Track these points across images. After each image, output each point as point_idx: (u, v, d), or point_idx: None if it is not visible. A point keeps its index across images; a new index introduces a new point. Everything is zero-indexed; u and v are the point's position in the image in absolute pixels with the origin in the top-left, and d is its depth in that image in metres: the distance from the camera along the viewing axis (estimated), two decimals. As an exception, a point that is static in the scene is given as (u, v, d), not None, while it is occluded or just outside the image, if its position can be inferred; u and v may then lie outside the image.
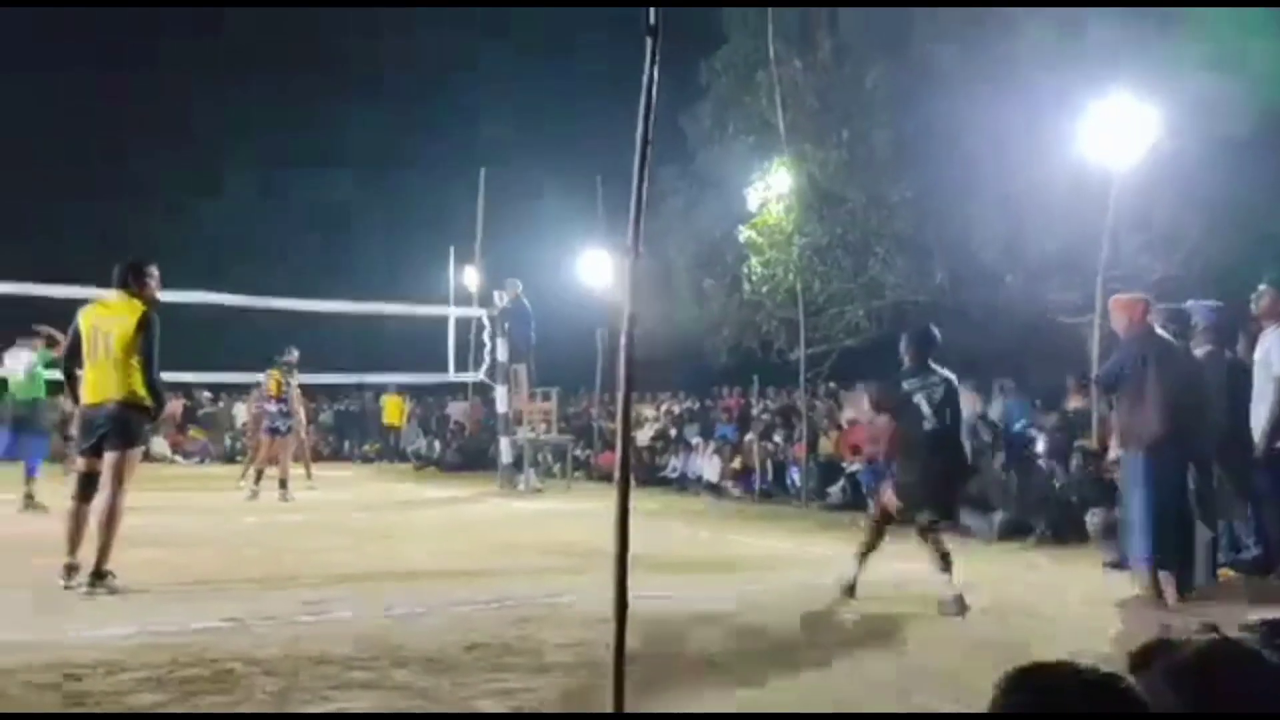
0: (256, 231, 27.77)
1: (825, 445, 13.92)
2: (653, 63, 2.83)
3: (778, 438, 14.81)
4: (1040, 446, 10.51)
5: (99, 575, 6.08)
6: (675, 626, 5.34)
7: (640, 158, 3.13)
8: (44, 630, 4.94)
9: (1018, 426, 11.41)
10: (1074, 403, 11.07)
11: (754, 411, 15.91)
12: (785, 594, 6.52)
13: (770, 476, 14.19)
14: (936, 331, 6.58)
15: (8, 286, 12.06)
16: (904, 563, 6.65)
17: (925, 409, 6.25)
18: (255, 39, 27.76)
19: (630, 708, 2.83)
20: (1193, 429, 6.43)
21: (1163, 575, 6.20)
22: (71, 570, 6.20)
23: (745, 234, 14.89)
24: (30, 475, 10.82)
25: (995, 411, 12.02)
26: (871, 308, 14.90)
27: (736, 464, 14.88)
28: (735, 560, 8.18)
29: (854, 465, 12.73)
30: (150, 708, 3.72)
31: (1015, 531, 9.40)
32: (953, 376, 6.40)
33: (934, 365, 6.39)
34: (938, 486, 6.36)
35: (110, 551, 6.13)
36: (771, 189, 14.60)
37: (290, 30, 27.75)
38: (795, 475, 13.72)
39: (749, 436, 15.09)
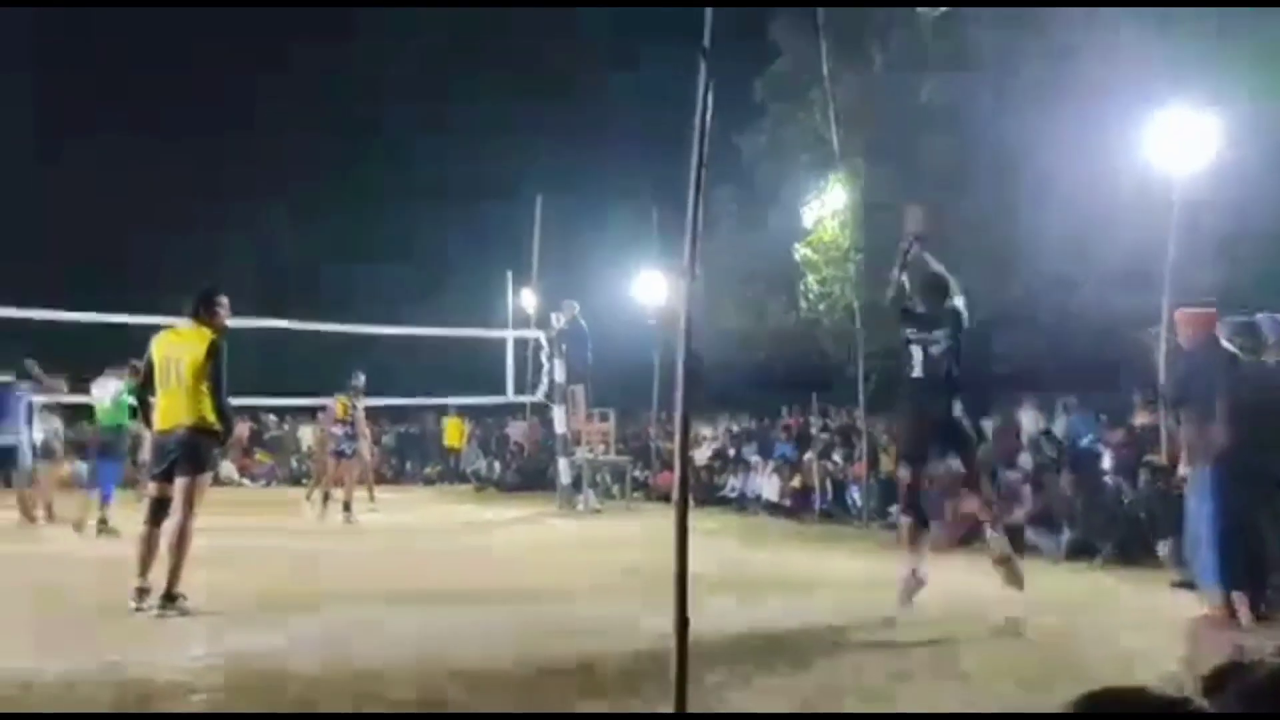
0: (318, 259, 28.24)
1: (886, 463, 13.76)
2: (706, 88, 2.85)
3: (837, 456, 14.69)
4: (1107, 463, 10.31)
5: (170, 597, 6.22)
6: (735, 646, 5.31)
7: (695, 179, 3.15)
8: (116, 652, 5.06)
9: (1084, 442, 11.20)
10: (1141, 418, 10.84)
11: (813, 430, 15.80)
12: (845, 614, 6.45)
13: (830, 496, 14.07)
14: (949, 279, 6.65)
15: (100, 316, 12.46)
16: (965, 579, 6.55)
17: (918, 357, 6.40)
18: (321, 72, 28.43)
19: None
20: (1263, 443, 6.27)
21: (1235, 595, 6.04)
22: (143, 593, 6.34)
23: (801, 252, 14.85)
24: (105, 501, 11.12)
25: (1059, 428, 11.82)
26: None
27: (796, 483, 14.78)
28: (795, 580, 8.13)
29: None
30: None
31: (1082, 551, 9.22)
32: (957, 335, 6.47)
33: (942, 315, 6.49)
34: (921, 435, 6.57)
35: (180, 574, 6.27)
36: (827, 206, 14.56)
37: (355, 63, 28.40)
38: (856, 494, 13.59)
39: (808, 455, 14.98)
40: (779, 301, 15.94)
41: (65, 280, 21.48)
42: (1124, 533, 9.06)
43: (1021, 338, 15.15)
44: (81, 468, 19.02)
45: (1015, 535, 10.01)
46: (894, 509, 12.55)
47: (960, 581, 7.07)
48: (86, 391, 11.83)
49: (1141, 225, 11.11)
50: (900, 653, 5.38)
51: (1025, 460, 11.49)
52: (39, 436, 12.28)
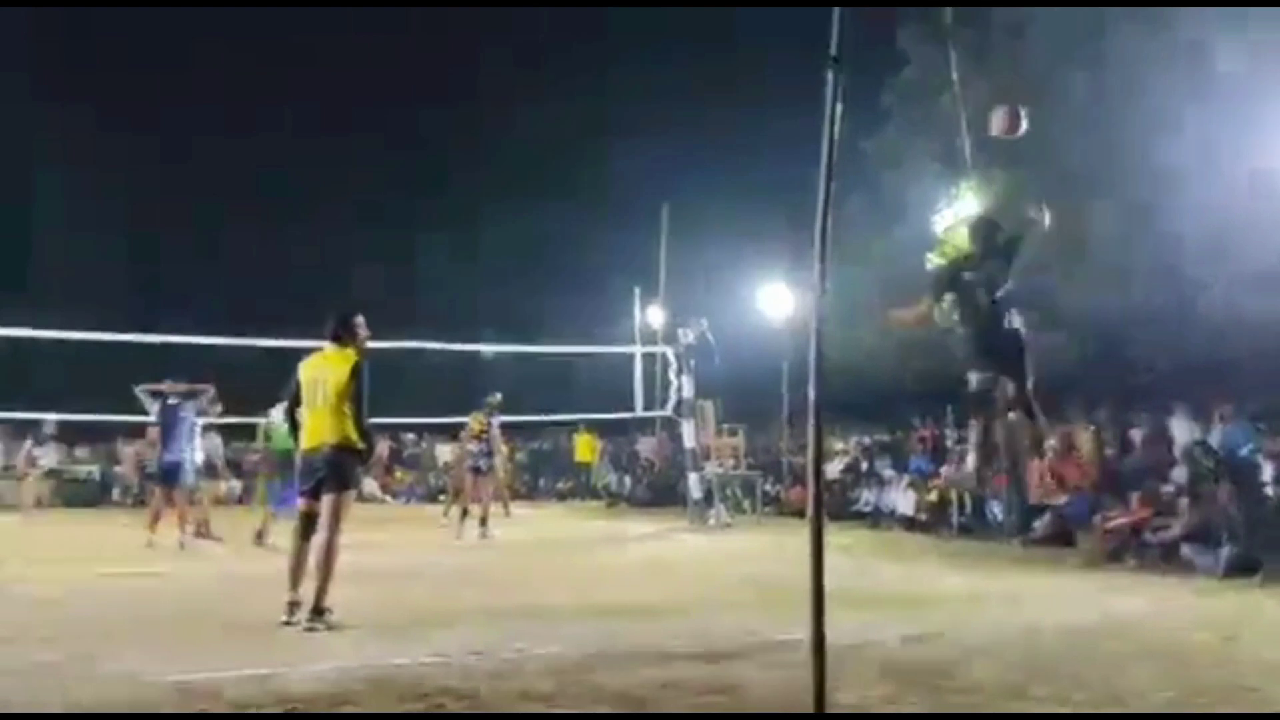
0: (446, 279, 29.00)
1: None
2: (835, 97, 2.82)
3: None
4: (1268, 474, 9.73)
5: (318, 611, 6.45)
6: (871, 664, 5.19)
7: (824, 189, 3.12)
8: (268, 664, 5.26)
9: (1242, 453, 10.59)
10: (1305, 426, 10.21)
11: (949, 443, 15.39)
12: (985, 633, 6.25)
13: (969, 510, 13.67)
14: (999, 223, 7.29)
15: (279, 342, 13.08)
16: (1115, 599, 6.27)
17: (982, 296, 6.94)
18: (445, 85, 29.34)
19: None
20: None
21: None
22: (293, 606, 6.60)
23: (933, 260, 14.50)
24: (274, 514, 11.60)
25: (1215, 438, 11.21)
26: (1071, 335, 14.22)
27: (932, 497, 14.42)
28: (932, 597, 7.91)
29: (1060, 498, 12.12)
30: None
31: (1243, 568, 8.70)
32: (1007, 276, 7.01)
33: (994, 256, 7.02)
34: (1002, 350, 6.98)
35: (328, 588, 6.50)
36: (959, 215, 14.19)
37: (480, 74, 29.18)
38: (996, 509, 13.17)
39: (945, 469, 14.60)
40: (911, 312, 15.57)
41: (235, 308, 22.84)
42: (1289, 549, 8.52)
43: (1169, 343, 14.51)
44: (235, 486, 20.02)
45: (1170, 551, 9.56)
46: (1037, 524, 12.16)
47: (1111, 596, 6.77)
48: (255, 414, 12.51)
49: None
50: (1042, 670, 5.16)
51: (1179, 473, 10.94)
52: (200, 456, 12.98)
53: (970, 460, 6.80)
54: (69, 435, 21.40)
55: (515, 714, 4.31)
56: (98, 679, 4.93)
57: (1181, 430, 12.37)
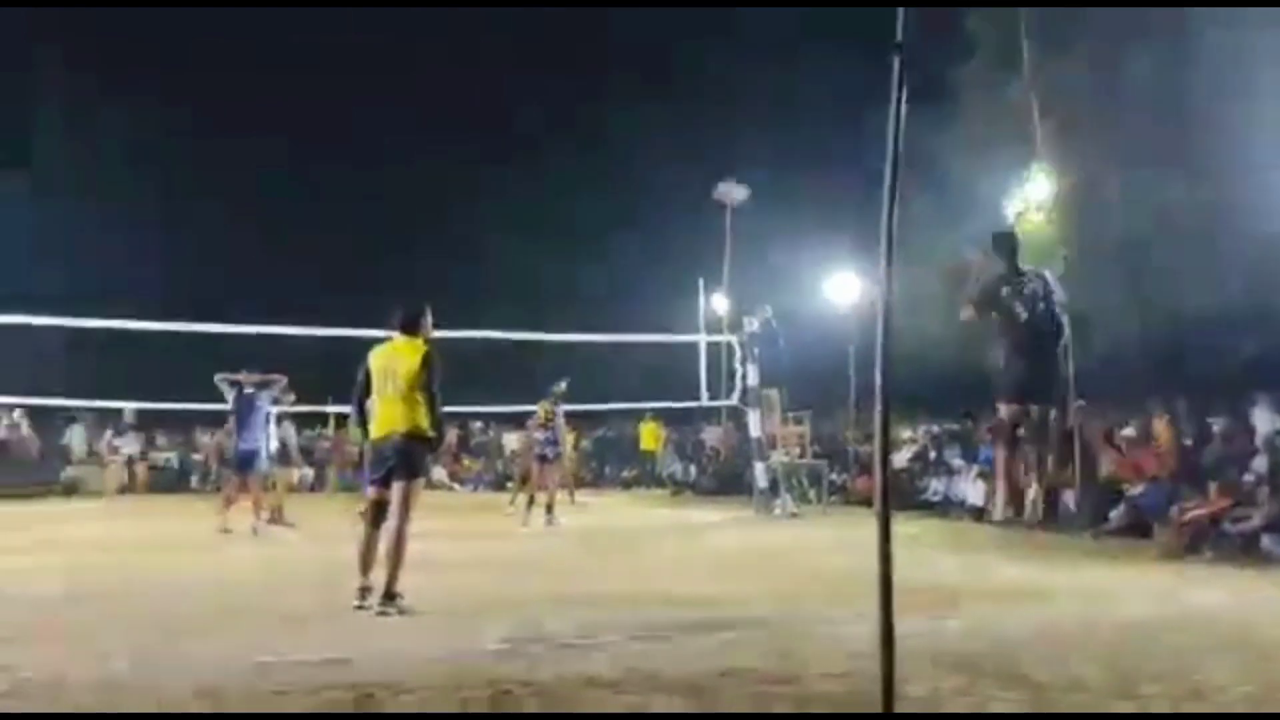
0: (513, 269, 29.17)
1: (1102, 468, 13.02)
2: (900, 85, 2.78)
3: (1049, 459, 13.98)
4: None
5: (389, 597, 6.57)
6: (942, 657, 5.13)
7: (890, 179, 3.08)
8: (341, 648, 5.38)
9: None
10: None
11: (1020, 433, 15.11)
12: (1056, 626, 6.13)
13: (1042, 501, 13.41)
14: (1018, 234, 7.56)
15: (348, 332, 13.33)
16: (1192, 591, 6.12)
17: (1019, 307, 7.05)
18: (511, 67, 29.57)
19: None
20: None
21: None
22: (365, 591, 6.73)
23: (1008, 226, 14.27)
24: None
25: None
26: (1147, 321, 13.87)
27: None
28: (1002, 589, 7.75)
29: (1136, 489, 11.85)
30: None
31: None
32: (1046, 273, 7.27)
33: (1022, 267, 7.19)
34: (1037, 375, 7.23)
35: (399, 575, 6.62)
36: (1030, 198, 13.92)
37: (544, 62, 29.32)
38: (1070, 500, 12.91)
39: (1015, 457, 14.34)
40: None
41: (319, 297, 23.36)
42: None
43: (1252, 332, 14.08)
44: (308, 473, 20.45)
45: (1250, 542, 9.30)
46: (1112, 515, 11.90)
47: (1189, 589, 6.61)
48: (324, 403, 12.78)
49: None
50: (1115, 664, 5.05)
51: (1260, 463, 10.64)
52: (275, 444, 13.29)
53: (999, 492, 6.98)
54: (148, 424, 22.06)
55: (576, 715, 4.35)
56: (185, 661, 5.08)
57: (1264, 420, 12.02)
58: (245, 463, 12.34)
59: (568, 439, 15.22)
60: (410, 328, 7.05)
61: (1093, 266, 13.71)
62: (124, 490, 19.36)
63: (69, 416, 21.24)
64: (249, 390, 12.42)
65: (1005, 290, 7.07)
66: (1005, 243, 7.28)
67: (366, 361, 7.03)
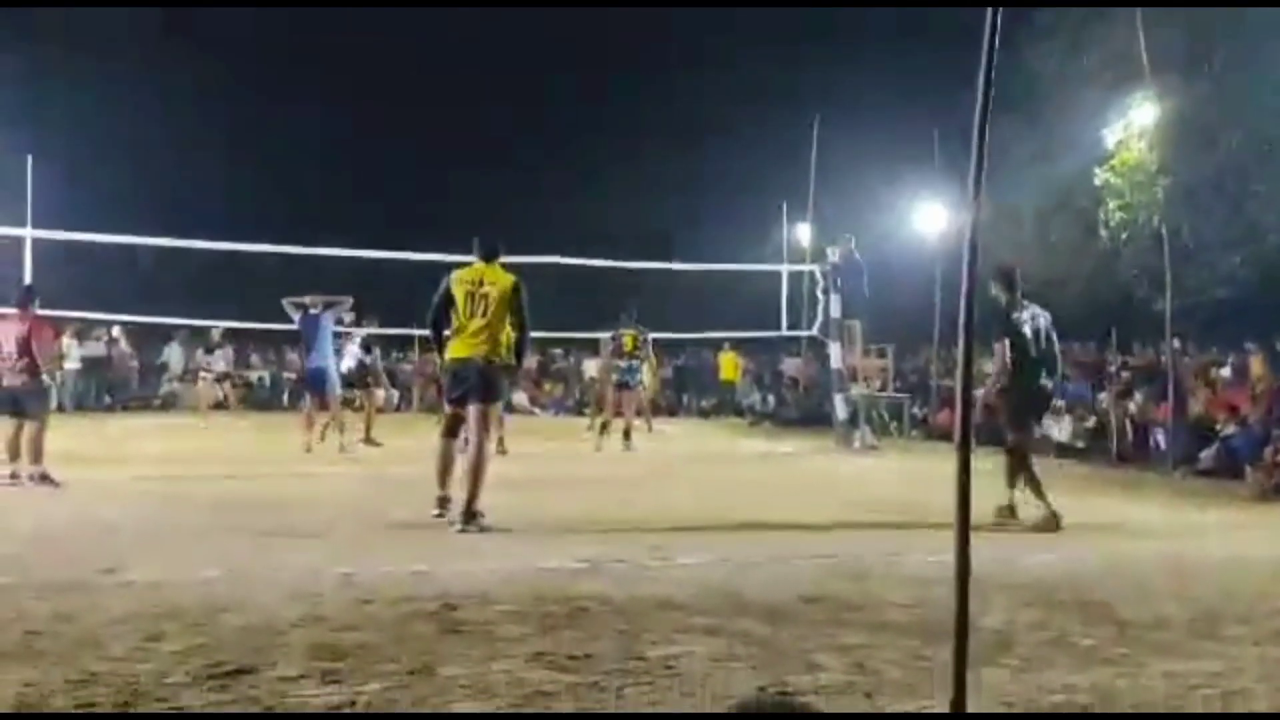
0: (593, 199, 29.00)
1: (1194, 406, 12.66)
2: (994, 17, 2.66)
3: (1139, 397, 13.65)
4: None
5: (470, 515, 6.74)
6: (1018, 590, 5.09)
7: (982, 103, 2.98)
8: (424, 561, 5.54)
9: None
10: None
11: (1110, 368, 14.75)
12: (1137, 563, 6.03)
13: (1130, 439, 13.12)
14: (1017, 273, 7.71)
15: (432, 256, 13.52)
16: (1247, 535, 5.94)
17: (1029, 335, 7.43)
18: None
19: (971, 683, 2.72)
20: None
21: None
22: (443, 501, 6.93)
23: (1102, 176, 13.77)
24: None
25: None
26: (1249, 254, 13.30)
27: (1090, 424, 13.89)
28: (1085, 525, 7.60)
29: (1228, 428, 11.51)
30: (515, 639, 4.07)
31: None
32: (1043, 312, 7.66)
33: (1025, 301, 7.59)
34: (1041, 403, 7.87)
35: (479, 494, 6.78)
36: (1133, 125, 13.38)
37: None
38: (1160, 438, 12.61)
39: (1103, 395, 14.03)
40: (1073, 231, 14.88)
41: (390, 221, 23.64)
42: None
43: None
44: (394, 394, 20.89)
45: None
46: (1204, 454, 11.59)
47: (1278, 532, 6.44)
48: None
49: None
50: (1194, 603, 4.94)
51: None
52: (351, 362, 13.59)
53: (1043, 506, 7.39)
54: (242, 341, 22.72)
55: (598, 716, 4.41)
56: (275, 571, 5.30)
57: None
58: (316, 381, 12.67)
59: (650, 366, 15.20)
60: (493, 255, 7.11)
61: (1193, 196, 13.15)
62: (218, 406, 20.00)
63: (166, 334, 22.02)
64: (314, 311, 12.69)
65: (1018, 316, 7.47)
66: (1012, 277, 7.60)
67: (447, 283, 7.06)
